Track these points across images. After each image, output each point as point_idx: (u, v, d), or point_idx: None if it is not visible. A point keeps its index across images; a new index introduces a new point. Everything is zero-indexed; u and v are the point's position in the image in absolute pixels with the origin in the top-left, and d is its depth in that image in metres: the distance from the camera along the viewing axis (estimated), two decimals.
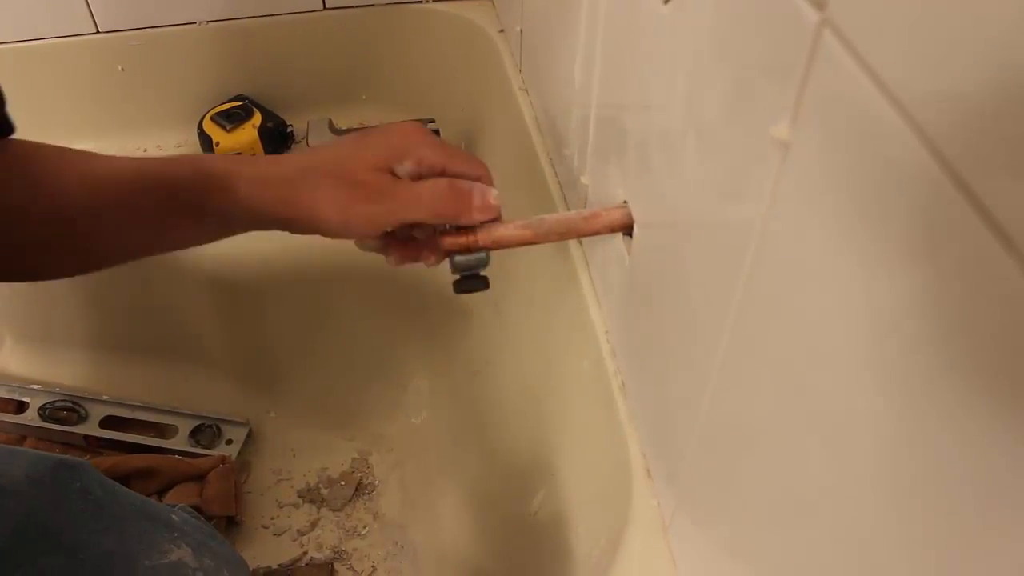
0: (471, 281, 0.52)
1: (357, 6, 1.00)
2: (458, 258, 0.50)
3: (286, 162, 0.50)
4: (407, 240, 0.54)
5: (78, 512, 0.59)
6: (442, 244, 0.51)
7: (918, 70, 0.21)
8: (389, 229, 0.50)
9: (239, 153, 0.97)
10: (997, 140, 0.19)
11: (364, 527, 0.93)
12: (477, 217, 0.49)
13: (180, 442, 0.97)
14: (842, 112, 0.25)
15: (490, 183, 0.52)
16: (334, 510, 0.94)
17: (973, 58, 0.19)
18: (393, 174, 0.49)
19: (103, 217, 0.49)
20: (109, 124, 1.01)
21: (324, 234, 0.50)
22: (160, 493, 0.90)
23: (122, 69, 0.98)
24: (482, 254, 0.51)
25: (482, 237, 0.50)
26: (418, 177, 0.50)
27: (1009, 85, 0.18)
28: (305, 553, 0.91)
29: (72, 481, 0.60)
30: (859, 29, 0.24)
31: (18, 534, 0.55)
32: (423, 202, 0.48)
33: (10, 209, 0.47)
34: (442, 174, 0.50)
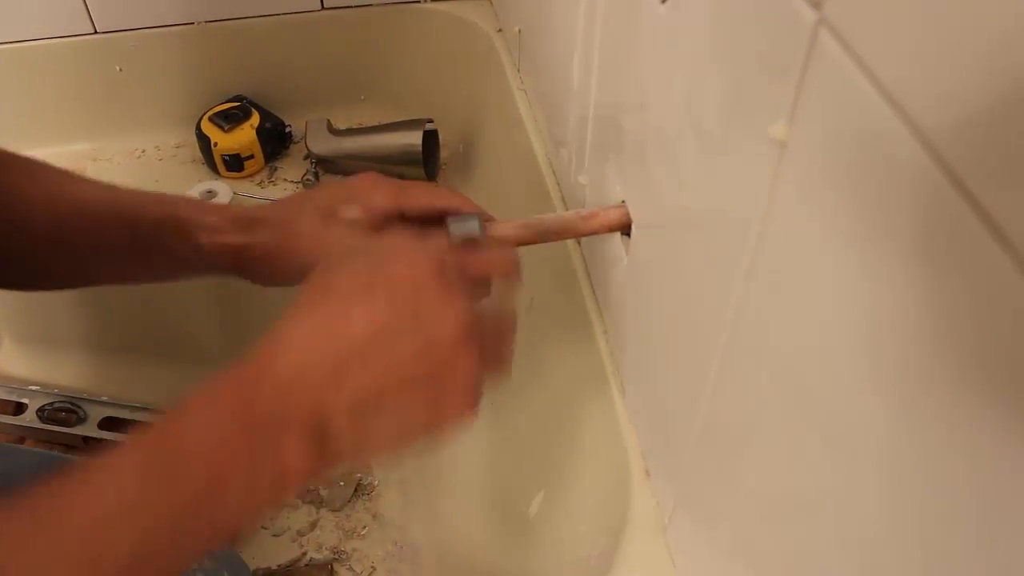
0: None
1: (355, 6, 1.00)
2: (452, 227, 0.49)
3: (245, 215, 0.51)
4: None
5: None
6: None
7: (915, 69, 0.21)
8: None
9: (236, 154, 0.97)
10: (994, 139, 0.19)
11: (363, 527, 0.93)
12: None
13: None
14: (839, 111, 0.25)
15: (461, 205, 0.50)
16: (333, 510, 0.94)
17: (970, 57, 0.19)
18: (337, 221, 0.49)
19: (67, 242, 0.50)
20: (107, 124, 1.01)
21: (252, 281, 0.51)
22: None
23: (120, 69, 0.98)
24: (474, 221, 0.49)
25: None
26: (369, 224, 0.49)
27: (1006, 84, 0.18)
28: (304, 554, 0.90)
29: None
30: (856, 28, 0.24)
31: None
32: (326, 253, 0.44)
33: None
34: (398, 215, 0.50)
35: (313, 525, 0.93)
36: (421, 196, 0.50)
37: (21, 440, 0.96)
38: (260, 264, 0.50)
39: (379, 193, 0.49)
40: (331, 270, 0.37)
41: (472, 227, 0.49)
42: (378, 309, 0.34)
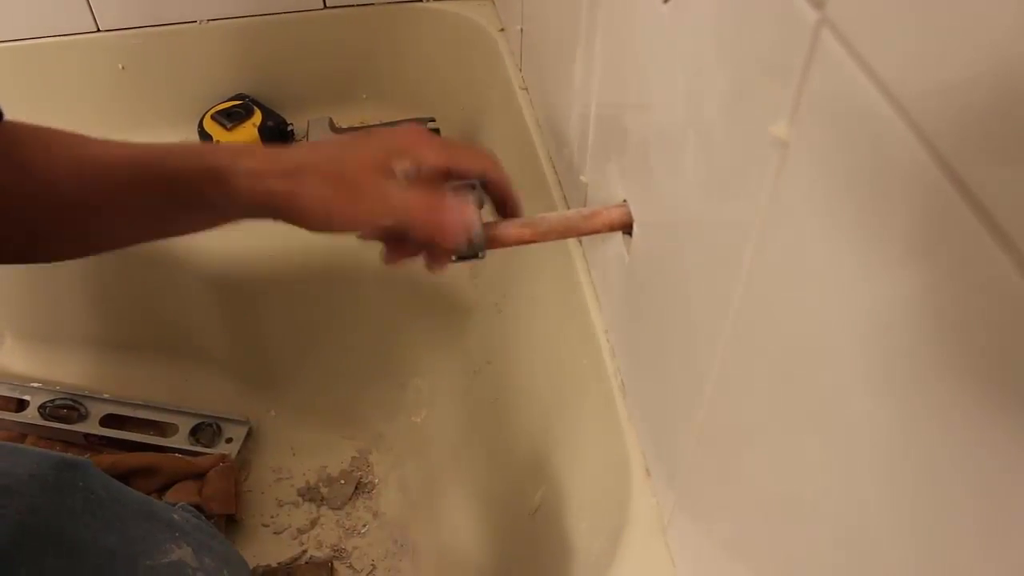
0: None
1: (357, 5, 1.00)
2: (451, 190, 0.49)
3: (285, 156, 0.50)
4: (401, 240, 0.53)
5: (80, 511, 0.59)
6: None
7: (916, 69, 0.21)
8: (367, 229, 0.50)
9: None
10: (995, 139, 0.19)
11: (364, 526, 0.93)
12: (448, 240, 0.48)
13: (180, 440, 0.97)
14: (841, 111, 0.25)
15: (500, 172, 0.51)
16: (334, 509, 0.94)
17: (971, 57, 0.19)
18: (392, 174, 0.49)
19: (94, 206, 0.49)
20: (110, 123, 1.01)
21: (307, 228, 0.50)
22: (160, 491, 0.90)
23: (123, 68, 0.98)
24: (476, 192, 0.49)
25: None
26: (418, 176, 0.49)
27: (1006, 84, 0.18)
28: (305, 552, 0.91)
29: (75, 480, 0.60)
30: (857, 28, 0.24)
31: (21, 533, 0.55)
32: (397, 209, 0.47)
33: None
34: (446, 175, 0.50)
35: (313, 523, 0.93)
36: (468, 159, 0.51)
37: (23, 437, 0.96)
38: (312, 214, 0.48)
39: (431, 150, 0.49)
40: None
41: (470, 196, 0.49)
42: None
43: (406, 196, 0.48)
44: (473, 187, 0.50)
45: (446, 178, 0.50)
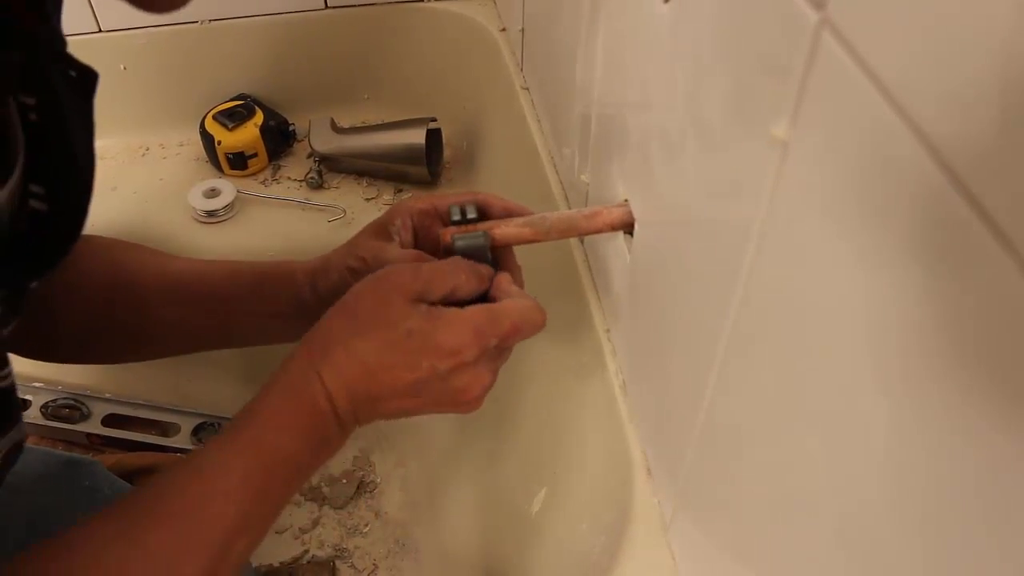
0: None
1: (359, 5, 1.00)
2: (459, 242, 0.50)
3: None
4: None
5: (87, 510, 0.59)
6: (442, 236, 0.51)
7: (917, 70, 0.21)
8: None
9: (240, 152, 0.97)
10: (995, 140, 0.19)
11: (366, 525, 0.93)
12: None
13: (182, 440, 0.97)
14: (841, 112, 0.25)
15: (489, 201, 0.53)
16: (336, 508, 0.94)
17: (972, 58, 0.19)
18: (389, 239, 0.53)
19: (178, 307, 0.55)
20: (111, 123, 1.01)
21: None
22: None
23: (124, 68, 0.98)
24: (480, 235, 0.50)
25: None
26: (411, 230, 0.53)
27: (1007, 85, 0.18)
28: (307, 551, 0.91)
29: (81, 479, 0.60)
30: (858, 29, 0.24)
31: (28, 532, 0.55)
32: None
33: (96, 290, 0.52)
34: (434, 214, 0.54)
35: (315, 522, 0.93)
36: (451, 196, 0.54)
37: (24, 437, 0.96)
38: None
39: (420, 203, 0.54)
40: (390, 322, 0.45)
41: (479, 242, 0.50)
42: (419, 367, 0.44)
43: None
44: (478, 236, 0.50)
45: (444, 222, 0.53)
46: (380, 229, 0.54)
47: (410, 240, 0.53)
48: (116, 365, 1.04)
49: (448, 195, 0.54)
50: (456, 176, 1.04)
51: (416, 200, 0.54)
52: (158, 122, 1.03)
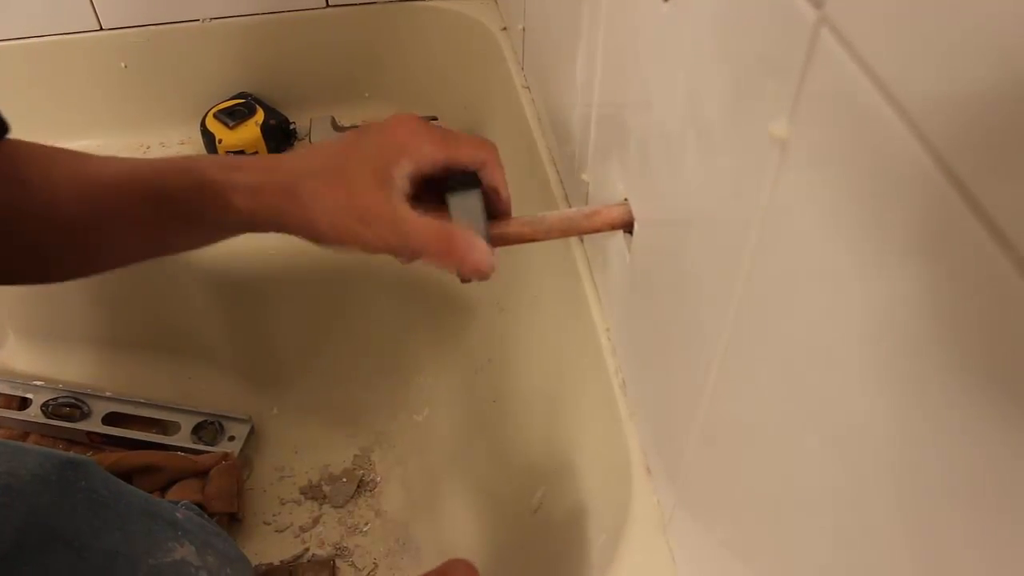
0: None
1: (359, 3, 1.00)
2: (452, 200, 0.49)
3: (283, 167, 0.49)
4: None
5: (83, 511, 0.59)
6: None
7: (915, 68, 0.21)
8: (380, 253, 0.49)
9: (241, 151, 0.97)
10: (994, 139, 0.19)
11: (366, 524, 0.93)
12: (465, 272, 0.48)
13: (183, 439, 0.97)
14: (840, 110, 0.25)
15: (496, 166, 0.50)
16: (336, 507, 0.95)
17: (971, 57, 0.19)
18: (394, 182, 0.48)
19: (95, 223, 0.49)
20: (112, 121, 1.02)
21: (319, 245, 0.49)
22: (162, 490, 0.90)
23: (125, 66, 0.98)
24: (475, 195, 0.49)
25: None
26: (419, 175, 0.48)
27: (1006, 83, 0.18)
28: (307, 550, 0.91)
29: (78, 480, 0.60)
30: (856, 27, 0.24)
31: (25, 533, 0.55)
32: (411, 241, 0.47)
33: (2, 210, 0.47)
34: (444, 168, 0.49)
35: (315, 521, 0.93)
36: (466, 151, 0.49)
37: (25, 435, 0.96)
38: (324, 237, 0.48)
39: (429, 146, 0.48)
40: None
41: (473, 204, 0.49)
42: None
43: (418, 228, 0.47)
44: (475, 185, 0.49)
45: (445, 172, 0.49)
46: (381, 172, 0.49)
47: None
48: (116, 364, 1.04)
49: (460, 146, 0.49)
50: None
51: (429, 145, 0.49)
52: (159, 121, 1.03)
